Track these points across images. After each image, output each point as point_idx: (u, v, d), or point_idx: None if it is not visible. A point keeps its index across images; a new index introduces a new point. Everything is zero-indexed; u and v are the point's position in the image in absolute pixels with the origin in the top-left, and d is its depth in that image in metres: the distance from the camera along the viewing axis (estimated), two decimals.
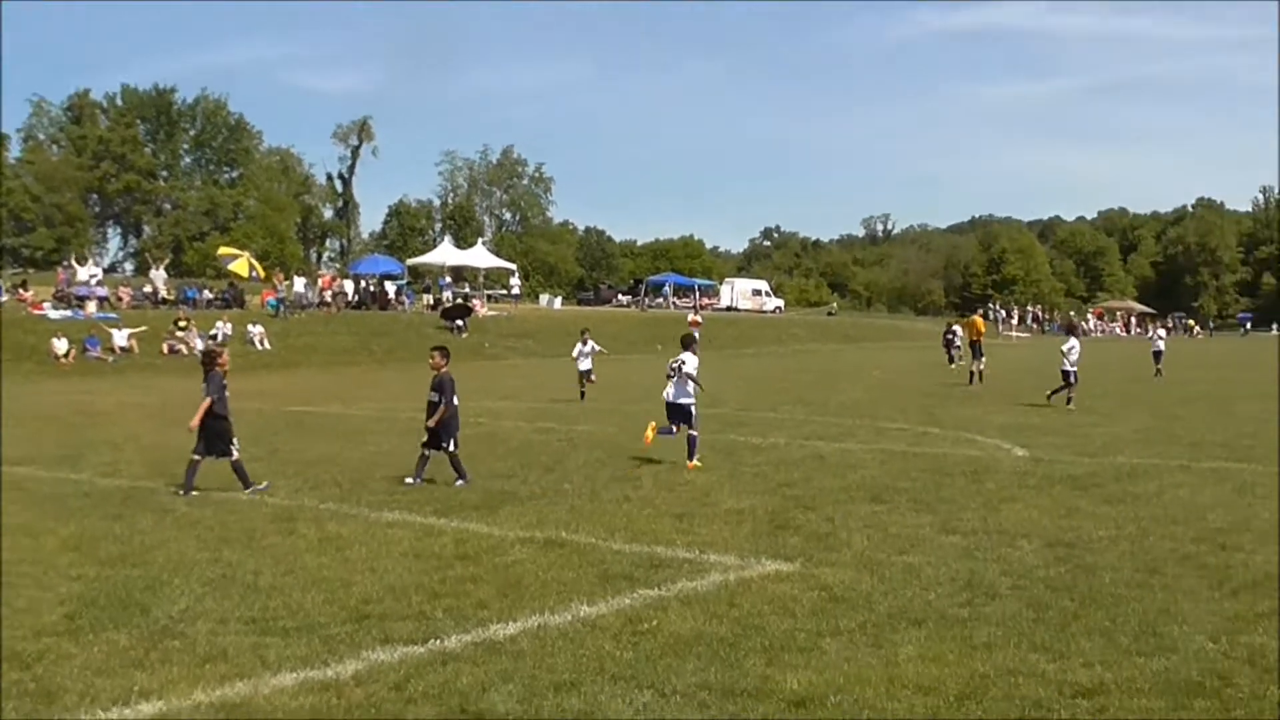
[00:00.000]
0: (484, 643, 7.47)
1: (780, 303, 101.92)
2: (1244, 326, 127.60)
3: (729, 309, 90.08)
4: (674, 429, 16.29)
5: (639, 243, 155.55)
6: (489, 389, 32.59)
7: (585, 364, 28.31)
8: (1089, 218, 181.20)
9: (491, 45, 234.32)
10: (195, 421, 13.78)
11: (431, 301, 66.47)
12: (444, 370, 14.84)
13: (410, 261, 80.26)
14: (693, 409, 16.23)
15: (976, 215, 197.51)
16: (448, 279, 71.55)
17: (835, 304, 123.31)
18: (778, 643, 7.39)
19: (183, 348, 45.56)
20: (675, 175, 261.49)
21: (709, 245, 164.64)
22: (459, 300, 64.46)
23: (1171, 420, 22.34)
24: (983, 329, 38.34)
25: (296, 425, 22.41)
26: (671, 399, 16.36)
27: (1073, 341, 26.66)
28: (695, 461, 15.76)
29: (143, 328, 46.05)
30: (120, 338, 44.67)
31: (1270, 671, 6.73)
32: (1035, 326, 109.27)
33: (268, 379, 38.86)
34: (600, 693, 6.49)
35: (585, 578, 9.21)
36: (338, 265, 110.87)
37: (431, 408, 14.56)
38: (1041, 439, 18.98)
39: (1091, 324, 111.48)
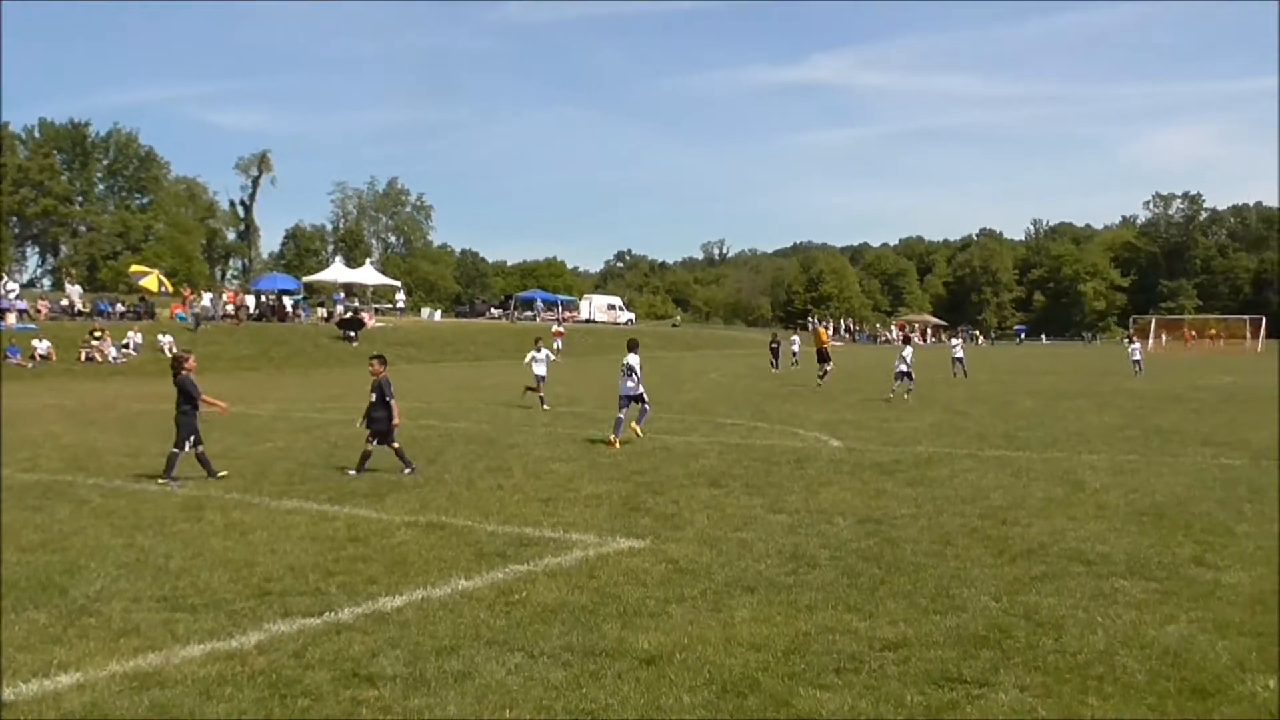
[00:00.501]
0: (373, 614, 7.33)
1: (631, 316, 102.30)
2: (1019, 336, 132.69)
3: (587, 321, 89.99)
4: (622, 413, 17.64)
5: (509, 263, 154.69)
6: None
7: (540, 369, 26.37)
8: (892, 244, 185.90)
9: (378, 87, 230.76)
10: (222, 407, 14.78)
11: (325, 314, 65.15)
12: (382, 374, 14.63)
13: (306, 279, 78.41)
14: (640, 392, 17.85)
15: (798, 241, 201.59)
16: (340, 294, 70.14)
17: (679, 317, 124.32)
18: (631, 609, 7.40)
19: (97, 355, 44.00)
20: (541, 204, 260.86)
21: (570, 265, 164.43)
22: (350, 313, 63.28)
23: (961, 416, 22.98)
24: (826, 338, 39.17)
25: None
26: (623, 392, 17.80)
27: (909, 349, 28.86)
28: (639, 427, 17.65)
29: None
30: (41, 346, 42.86)
31: (1042, 625, 6.96)
32: (848, 336, 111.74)
33: None
34: (477, 655, 6.42)
35: (463, 555, 9.11)
36: (240, 282, 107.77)
37: (371, 407, 14.42)
38: (854, 432, 19.37)
39: (894, 334, 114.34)
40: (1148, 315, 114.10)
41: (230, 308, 59.72)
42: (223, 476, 13.68)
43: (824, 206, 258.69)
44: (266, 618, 7.25)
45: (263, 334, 54.42)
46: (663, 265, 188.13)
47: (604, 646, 6.58)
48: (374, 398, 14.47)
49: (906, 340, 35.17)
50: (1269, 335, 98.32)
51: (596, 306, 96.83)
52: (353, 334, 55.76)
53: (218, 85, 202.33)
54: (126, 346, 45.98)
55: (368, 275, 76.45)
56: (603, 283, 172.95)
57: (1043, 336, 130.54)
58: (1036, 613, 7.23)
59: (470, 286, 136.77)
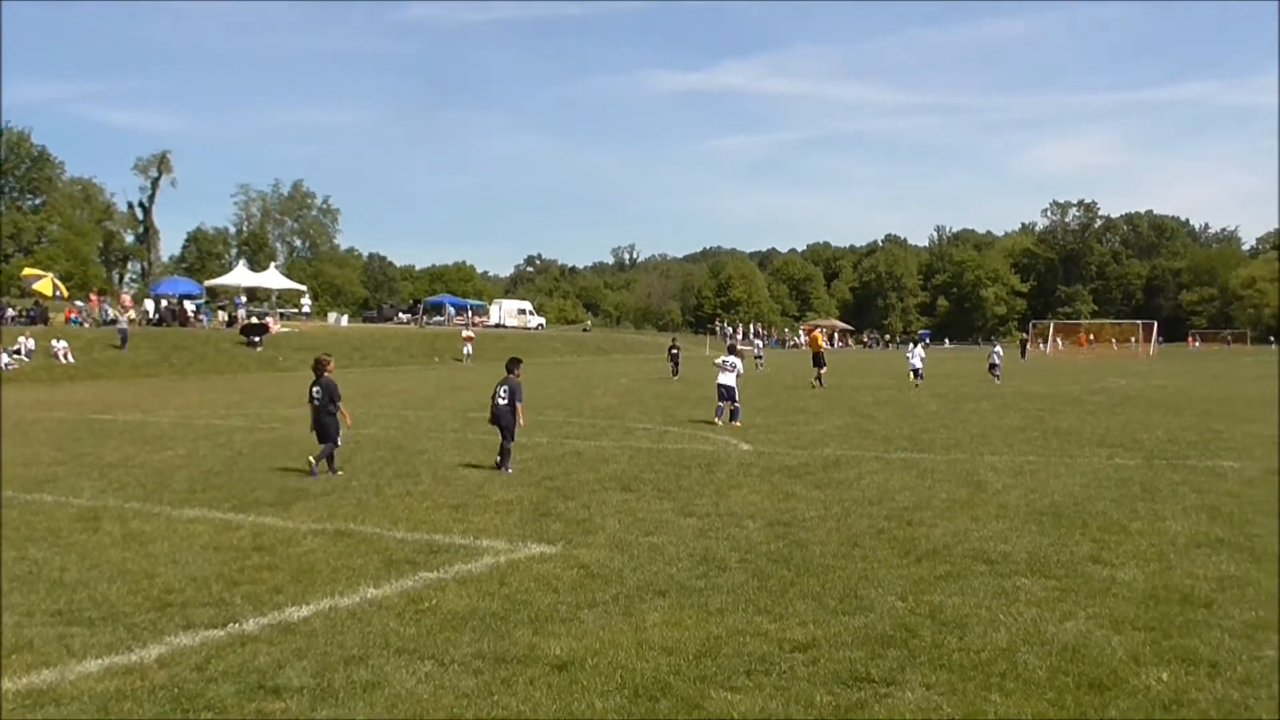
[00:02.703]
0: (279, 624, 7.19)
1: (542, 320, 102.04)
2: (924, 341, 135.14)
3: (497, 326, 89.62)
4: (721, 407, 21.41)
5: (417, 267, 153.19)
6: (282, 397, 31.47)
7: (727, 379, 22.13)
8: (799, 249, 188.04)
9: (284, 87, 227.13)
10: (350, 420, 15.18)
11: (228, 319, 63.83)
12: (328, 375, 14.77)
13: (208, 283, 76.87)
14: (736, 391, 21.58)
15: (707, 246, 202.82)
16: (243, 299, 68.83)
17: (589, 322, 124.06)
18: (542, 615, 7.37)
19: None
20: (450, 208, 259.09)
21: (480, 270, 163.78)
22: (254, 318, 62.08)
23: (867, 419, 23.29)
24: (821, 343, 39.75)
25: (99, 432, 21.09)
26: (723, 383, 21.50)
27: (920, 349, 36.06)
28: (738, 423, 20.91)
29: None
30: None
31: (947, 624, 7.09)
32: (756, 341, 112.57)
33: (72, 390, 36.50)
34: (386, 665, 6.34)
35: (371, 563, 8.99)
36: (138, 286, 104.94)
37: (320, 411, 14.60)
38: (763, 436, 19.55)
39: (802, 339, 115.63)
40: (1046, 320, 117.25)
41: (131, 313, 58.12)
42: (340, 474, 14.23)
43: (733, 212, 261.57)
44: (167, 630, 7.07)
45: (162, 339, 53.08)
46: (573, 270, 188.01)
47: (515, 653, 6.55)
48: (318, 399, 14.54)
49: (916, 342, 41.56)
50: (1160, 339, 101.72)
51: (507, 311, 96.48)
52: (257, 339, 54.75)
53: (115, 83, 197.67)
54: (18, 352, 44.49)
55: (272, 279, 75.27)
56: (513, 287, 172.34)
57: (946, 341, 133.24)
58: (941, 612, 7.37)
59: (378, 291, 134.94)
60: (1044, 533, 10.13)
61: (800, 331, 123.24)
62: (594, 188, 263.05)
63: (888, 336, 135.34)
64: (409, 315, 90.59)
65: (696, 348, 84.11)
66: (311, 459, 14.45)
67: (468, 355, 61.74)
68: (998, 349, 45.03)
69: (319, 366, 14.89)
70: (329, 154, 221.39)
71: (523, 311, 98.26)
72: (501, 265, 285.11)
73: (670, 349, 44.76)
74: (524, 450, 17.05)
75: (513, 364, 15.89)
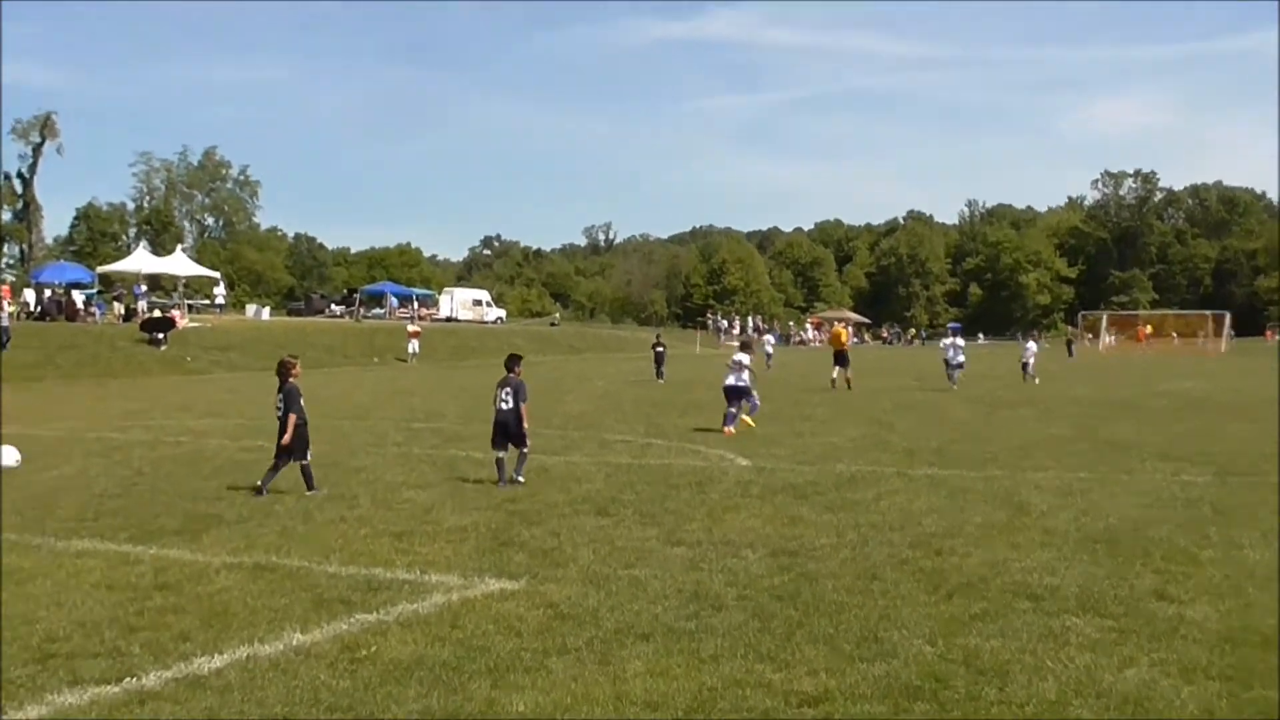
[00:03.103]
0: (186, 678, 7.12)
1: (502, 313, 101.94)
2: (952, 336, 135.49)
3: (449, 320, 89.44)
4: (734, 409, 22.32)
5: (353, 250, 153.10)
6: (191, 405, 31.36)
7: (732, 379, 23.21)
8: (806, 229, 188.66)
9: (194, 36, 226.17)
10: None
11: (124, 311, 63.50)
12: (291, 381, 14.98)
13: (101, 269, 76.45)
14: (750, 389, 23.12)
15: (697, 225, 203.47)
16: (144, 288, 68.41)
17: (558, 314, 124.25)
18: (503, 664, 7.33)
19: None
20: (392, 180, 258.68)
21: (427, 253, 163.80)
22: (157, 311, 61.78)
23: (887, 428, 23.36)
24: (846, 340, 39.86)
25: None
26: (730, 384, 22.62)
27: (960, 341, 39.01)
28: (750, 420, 22.63)
29: None
30: None
31: (985, 672, 7.08)
32: (755, 336, 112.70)
33: None
34: None
35: (298, 604, 8.93)
36: (17, 272, 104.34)
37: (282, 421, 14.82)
38: (764, 449, 19.56)
39: (810, 333, 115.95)
40: (1098, 310, 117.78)
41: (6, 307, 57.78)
42: (323, 494, 14.47)
43: (727, 184, 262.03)
44: (50, 687, 6.99)
45: (46, 336, 52.78)
46: (538, 253, 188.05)
47: (470, 710, 6.51)
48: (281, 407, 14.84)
49: (955, 333, 43.80)
50: (1233, 333, 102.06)
51: (459, 302, 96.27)
52: (160, 336, 54.47)
53: None
54: None
55: (179, 264, 74.85)
56: (467, 274, 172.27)
57: (980, 335, 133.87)
58: (977, 658, 7.36)
59: (306, 278, 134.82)
60: (1098, 563, 10.15)
61: (807, 325, 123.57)
62: (563, 156, 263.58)
63: (911, 331, 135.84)
64: (343, 307, 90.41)
65: (685, 344, 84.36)
66: (260, 484, 14.72)
67: (413, 354, 61.65)
68: (1031, 345, 45.27)
69: (283, 371, 15.09)
70: (248, 117, 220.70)
71: (479, 302, 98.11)
72: (453, 248, 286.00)
73: (654, 346, 44.81)
74: (481, 468, 17.02)
75: (513, 361, 16.26)
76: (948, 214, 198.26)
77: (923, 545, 11.00)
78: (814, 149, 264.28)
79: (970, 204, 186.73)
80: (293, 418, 14.70)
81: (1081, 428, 23.18)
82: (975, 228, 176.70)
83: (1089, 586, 9.24)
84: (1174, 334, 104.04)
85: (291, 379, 14.98)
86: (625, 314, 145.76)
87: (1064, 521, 12.24)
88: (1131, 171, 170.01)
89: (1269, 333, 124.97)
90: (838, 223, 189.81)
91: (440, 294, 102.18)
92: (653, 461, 18.02)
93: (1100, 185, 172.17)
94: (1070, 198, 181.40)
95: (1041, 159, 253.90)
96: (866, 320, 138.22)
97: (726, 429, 21.94)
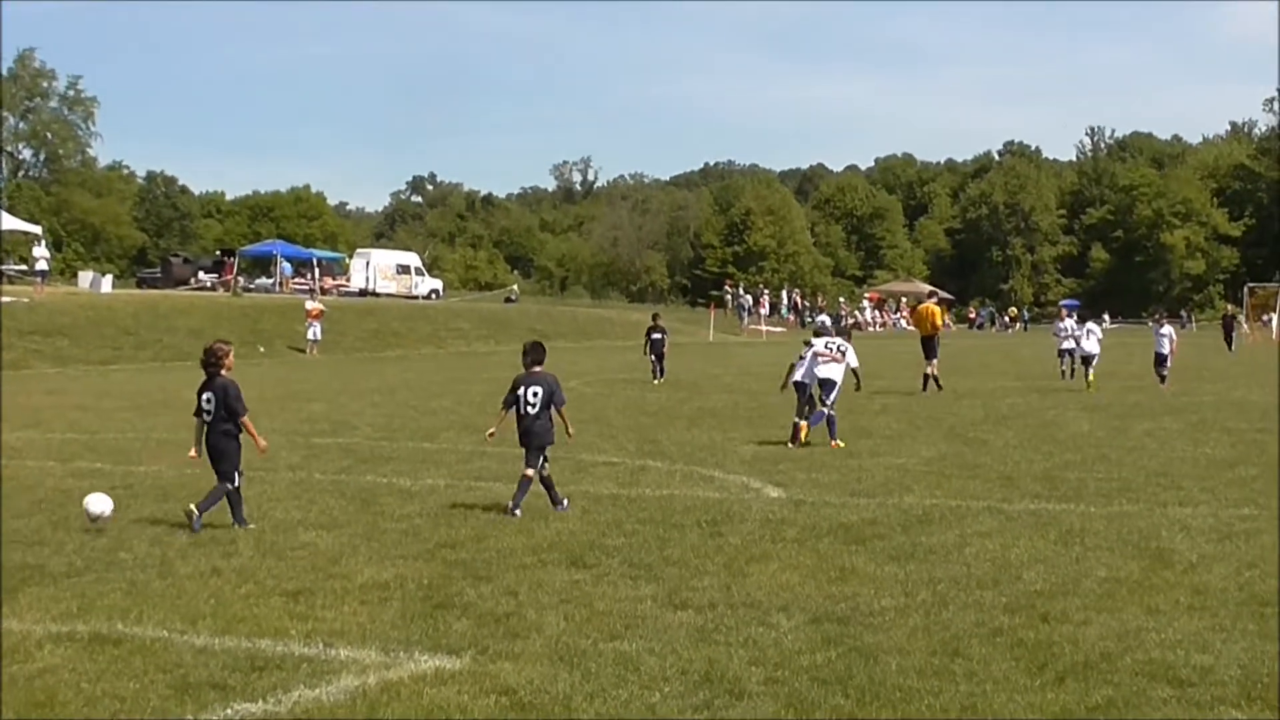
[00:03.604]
0: None
1: (439, 284, 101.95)
2: (1070, 316, 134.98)
3: (364, 293, 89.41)
4: (822, 406, 23.74)
5: (229, 196, 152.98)
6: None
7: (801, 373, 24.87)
8: (863, 168, 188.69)
9: None
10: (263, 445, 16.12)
11: None
12: (225, 374, 15.61)
13: None
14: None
15: (711, 162, 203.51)
16: None
17: (516, 287, 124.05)
18: None
19: None
20: (280, 96, 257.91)
21: (334, 201, 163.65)
22: None
23: (976, 446, 23.37)
24: (940, 323, 38.79)
25: None
26: (820, 376, 24.01)
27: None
28: (838, 441, 23.17)
29: None
30: None
31: None
32: (793, 318, 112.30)
33: None
34: None
35: (153, 689, 8.94)
36: None
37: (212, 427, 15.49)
38: (802, 474, 19.56)
39: (868, 313, 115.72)
40: (1272, 283, 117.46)
41: None
42: (251, 528, 15.13)
43: (751, 105, 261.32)
44: None
45: None
46: (488, 201, 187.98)
47: None
48: (209, 411, 15.40)
49: (1084, 319, 45.55)
50: None
51: (380, 269, 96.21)
52: None
53: None
54: None
55: None
56: (389, 229, 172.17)
57: (1105, 317, 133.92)
58: None
59: (163, 236, 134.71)
60: (1269, 635, 10.18)
61: (865, 302, 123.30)
62: (522, 61, 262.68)
63: (1011, 311, 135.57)
64: (215, 276, 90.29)
65: (694, 328, 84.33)
66: (194, 506, 15.11)
67: (314, 342, 61.61)
68: (1165, 330, 42.10)
69: (211, 360, 15.62)
70: (81, 8, 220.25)
71: (406, 269, 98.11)
72: (371, 194, 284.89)
73: (650, 332, 44.42)
74: (409, 500, 17.05)
75: (535, 351, 16.90)
76: (1062, 147, 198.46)
77: (1024, 609, 11.02)
78: (872, 55, 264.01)
79: (1093, 132, 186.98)
80: (246, 420, 15.40)
81: (1247, 446, 23.20)
82: (1100, 166, 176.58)
83: (1255, 667, 9.27)
84: None
85: (224, 371, 15.53)
86: (610, 285, 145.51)
87: (1221, 577, 12.28)
88: None
89: None
90: (907, 159, 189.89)
91: (352, 258, 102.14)
92: (649, 492, 18.01)
93: (1277, 106, 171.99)
94: (1232, 124, 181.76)
95: (1189, 69, 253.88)
96: (949, 296, 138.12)
97: (798, 440, 23.28)
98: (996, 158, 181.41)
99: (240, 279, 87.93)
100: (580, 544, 14.06)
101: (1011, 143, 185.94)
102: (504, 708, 8.51)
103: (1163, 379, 38.53)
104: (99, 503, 15.33)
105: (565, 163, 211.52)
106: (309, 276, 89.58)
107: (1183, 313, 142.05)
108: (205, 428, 15.46)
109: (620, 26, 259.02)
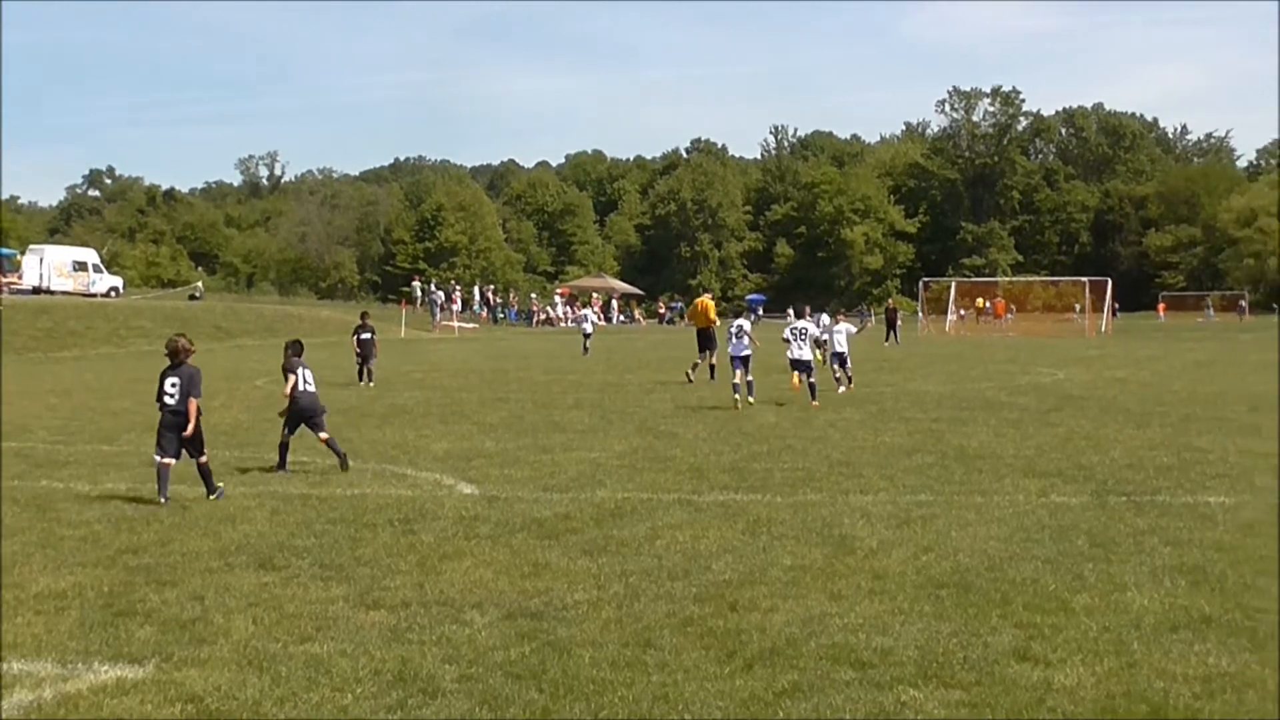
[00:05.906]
0: None
1: (118, 282, 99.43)
2: (755, 312, 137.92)
3: (37, 291, 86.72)
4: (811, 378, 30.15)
5: None
6: None
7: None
8: (554, 164, 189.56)
9: None
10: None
11: None
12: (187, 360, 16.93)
13: None
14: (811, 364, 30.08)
15: (401, 158, 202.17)
16: None
17: (201, 284, 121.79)
18: None
19: None
20: None
21: (4, 195, 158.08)
22: None
23: (667, 438, 23.59)
24: (714, 315, 39.27)
25: None
26: (795, 356, 30.02)
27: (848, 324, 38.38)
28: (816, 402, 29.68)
29: None
30: None
31: None
32: (485, 314, 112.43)
33: None
34: None
35: None
36: None
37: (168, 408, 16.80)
38: (496, 470, 19.57)
39: (559, 309, 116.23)
40: (945, 277, 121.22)
41: None
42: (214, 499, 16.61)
43: (440, 99, 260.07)
44: None
45: None
46: (171, 195, 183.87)
47: None
48: (173, 398, 16.75)
49: (752, 310, 43.81)
50: (1118, 307, 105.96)
51: (54, 265, 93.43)
52: None
53: None
54: None
55: None
56: (64, 224, 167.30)
57: (789, 312, 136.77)
58: None
59: None
60: (944, 615, 10.52)
61: (557, 296, 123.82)
62: (199, 41, 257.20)
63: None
64: None
65: (384, 325, 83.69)
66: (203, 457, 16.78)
67: None
68: (840, 327, 38.47)
69: (177, 351, 16.90)
70: None
71: (83, 266, 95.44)
72: (44, 186, 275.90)
73: (358, 330, 43.48)
74: (88, 506, 16.61)
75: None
76: (747, 145, 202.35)
77: (713, 598, 11.18)
78: (562, 49, 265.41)
79: (777, 131, 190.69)
80: (194, 403, 16.64)
81: (924, 434, 23.87)
82: (784, 164, 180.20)
83: (931, 647, 9.57)
84: (1041, 307, 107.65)
85: (188, 362, 16.90)
86: (299, 282, 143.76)
87: (899, 561, 12.64)
88: (989, 90, 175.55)
89: (1161, 306, 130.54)
90: (598, 156, 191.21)
91: (24, 254, 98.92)
92: (339, 491, 17.83)
93: (948, 107, 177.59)
94: (908, 124, 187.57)
95: (870, 70, 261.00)
96: (638, 292, 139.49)
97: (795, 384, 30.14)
98: (685, 155, 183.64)
99: None
100: (269, 545, 13.87)
101: (699, 140, 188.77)
102: (190, 716, 8.36)
103: (849, 379, 35.52)
104: None
105: (251, 156, 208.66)
106: None
107: (861, 306, 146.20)
108: (168, 415, 16.79)
109: (305, 19, 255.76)
